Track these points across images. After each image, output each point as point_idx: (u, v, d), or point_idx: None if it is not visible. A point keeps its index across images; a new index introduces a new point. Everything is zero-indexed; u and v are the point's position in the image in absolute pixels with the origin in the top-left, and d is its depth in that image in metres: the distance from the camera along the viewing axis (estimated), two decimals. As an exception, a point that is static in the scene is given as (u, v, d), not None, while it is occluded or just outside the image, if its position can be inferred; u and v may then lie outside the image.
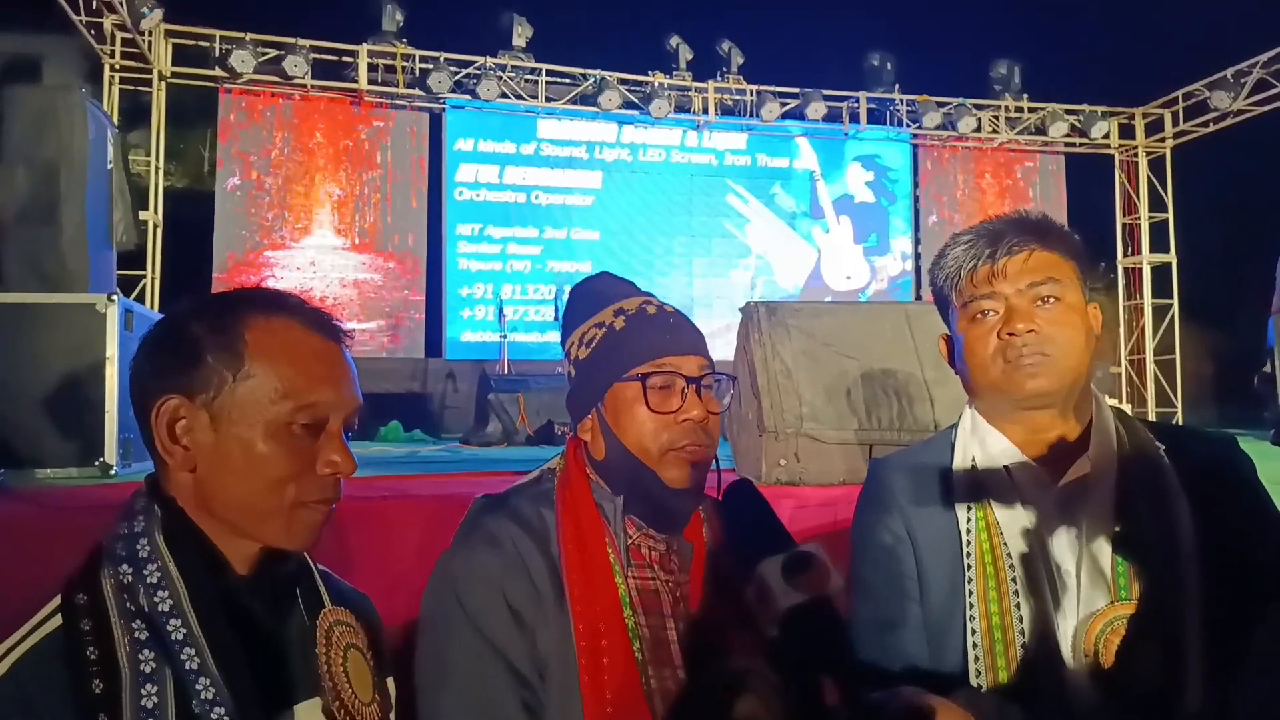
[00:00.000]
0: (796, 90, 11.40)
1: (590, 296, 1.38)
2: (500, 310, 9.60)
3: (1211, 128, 11.59)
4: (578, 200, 11.26)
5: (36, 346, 3.20)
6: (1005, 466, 1.28)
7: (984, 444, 1.31)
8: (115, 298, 3.26)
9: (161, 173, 9.56)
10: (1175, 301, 12.30)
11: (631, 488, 1.27)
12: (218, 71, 9.72)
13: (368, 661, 1.09)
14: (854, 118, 11.91)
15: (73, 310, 3.24)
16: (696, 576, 1.28)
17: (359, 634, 1.09)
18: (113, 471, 3.19)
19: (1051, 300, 1.26)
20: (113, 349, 3.23)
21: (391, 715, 1.13)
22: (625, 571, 1.25)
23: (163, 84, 9.55)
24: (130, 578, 0.93)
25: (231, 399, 0.98)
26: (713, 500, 1.34)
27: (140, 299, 8.65)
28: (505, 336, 9.32)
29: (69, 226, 3.55)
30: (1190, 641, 1.14)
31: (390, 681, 1.13)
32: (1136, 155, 12.50)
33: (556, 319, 9.21)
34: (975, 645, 1.22)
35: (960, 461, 1.32)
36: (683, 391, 1.26)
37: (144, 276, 9.12)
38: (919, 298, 11.77)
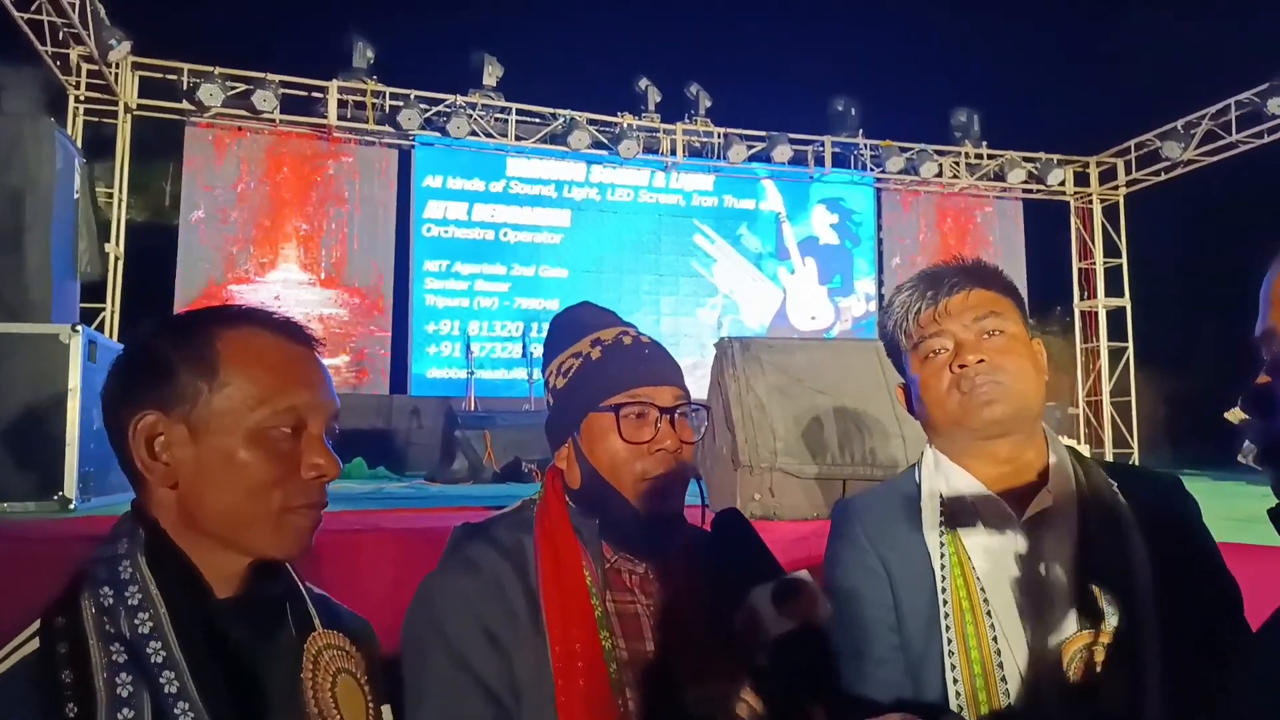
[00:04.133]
0: (763, 133, 11.63)
1: (569, 326, 1.40)
2: (467, 347, 9.56)
3: (1163, 176, 11.98)
4: (546, 238, 11.31)
5: (-4, 376, 3.14)
6: (971, 500, 1.31)
7: (949, 479, 1.33)
8: (79, 328, 3.21)
9: (124, 205, 9.46)
10: (1130, 344, 12.61)
11: (606, 515, 1.29)
12: (185, 105, 9.67)
13: (361, 687, 1.07)
14: (819, 161, 12.15)
15: (35, 340, 3.18)
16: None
17: (353, 659, 1.07)
18: (72, 506, 3.11)
19: (997, 333, 1.31)
20: (75, 381, 3.17)
21: None
22: (602, 594, 1.25)
23: (128, 116, 9.49)
24: (111, 600, 0.92)
25: (208, 410, 0.98)
26: (697, 529, 1.34)
27: (99, 331, 8.50)
28: (473, 373, 9.27)
29: (34, 256, 3.49)
30: (1151, 671, 1.17)
31: (387, 709, 1.11)
32: (1091, 202, 12.86)
33: (524, 356, 9.18)
34: (955, 678, 1.23)
35: (928, 497, 1.35)
36: (656, 422, 1.28)
37: (104, 309, 8.98)
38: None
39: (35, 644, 0.90)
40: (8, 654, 0.90)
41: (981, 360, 1.28)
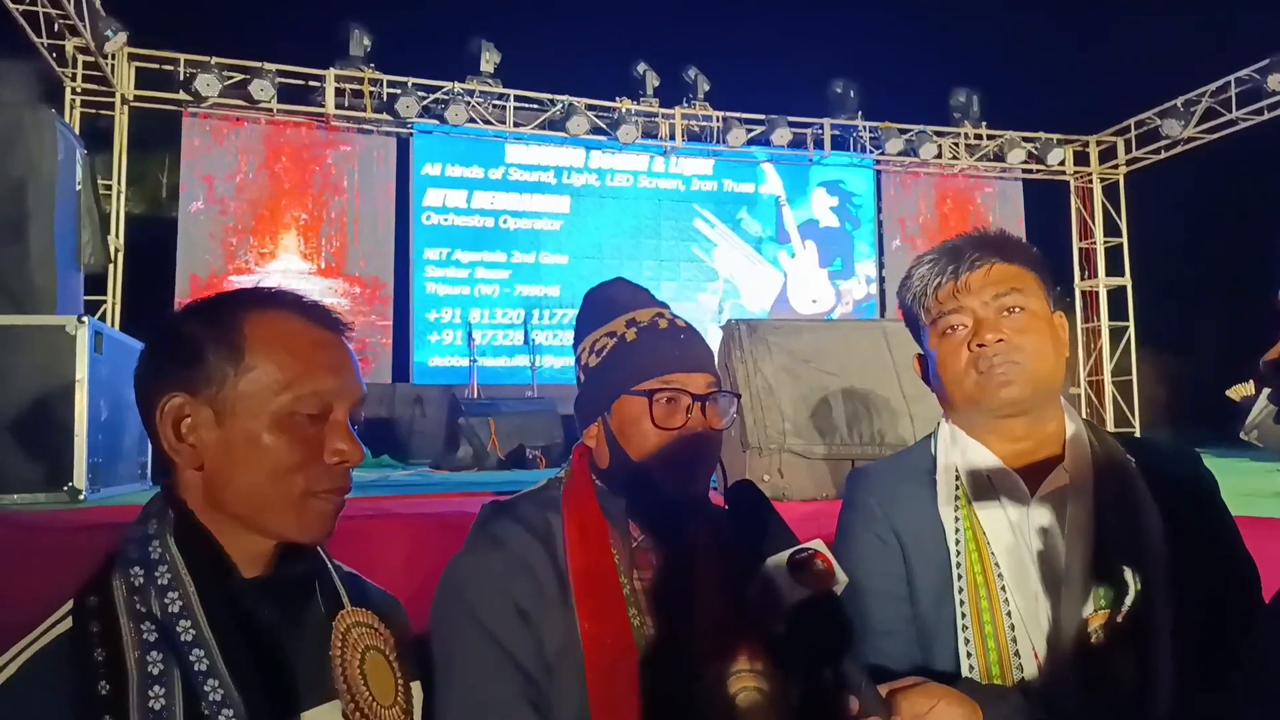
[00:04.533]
0: (762, 117, 11.59)
1: (604, 303, 1.39)
2: (469, 334, 9.56)
3: (1163, 155, 11.96)
4: (546, 225, 11.29)
5: (3, 368, 3.14)
6: (987, 475, 1.31)
7: (965, 453, 1.33)
8: (85, 320, 3.21)
9: (123, 196, 9.44)
10: (1131, 324, 12.61)
11: (633, 496, 1.29)
12: (182, 95, 9.64)
13: (390, 664, 1.07)
14: (818, 144, 12.11)
15: (42, 332, 3.19)
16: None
17: (381, 636, 1.08)
18: (81, 496, 3.12)
19: (1017, 310, 1.29)
20: (82, 371, 3.18)
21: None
22: (630, 572, 1.26)
23: (125, 107, 9.45)
24: (141, 580, 0.93)
25: (235, 392, 0.98)
26: (719, 508, 1.35)
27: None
28: (475, 360, 9.28)
29: (37, 246, 3.49)
30: (1166, 646, 1.17)
31: (416, 685, 1.12)
32: (1091, 181, 12.83)
33: (526, 343, 9.19)
34: (970, 652, 1.24)
35: (944, 470, 1.34)
36: (688, 408, 1.28)
37: (105, 301, 8.97)
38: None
39: (68, 623, 0.91)
40: (42, 633, 0.91)
41: (1000, 340, 1.27)
